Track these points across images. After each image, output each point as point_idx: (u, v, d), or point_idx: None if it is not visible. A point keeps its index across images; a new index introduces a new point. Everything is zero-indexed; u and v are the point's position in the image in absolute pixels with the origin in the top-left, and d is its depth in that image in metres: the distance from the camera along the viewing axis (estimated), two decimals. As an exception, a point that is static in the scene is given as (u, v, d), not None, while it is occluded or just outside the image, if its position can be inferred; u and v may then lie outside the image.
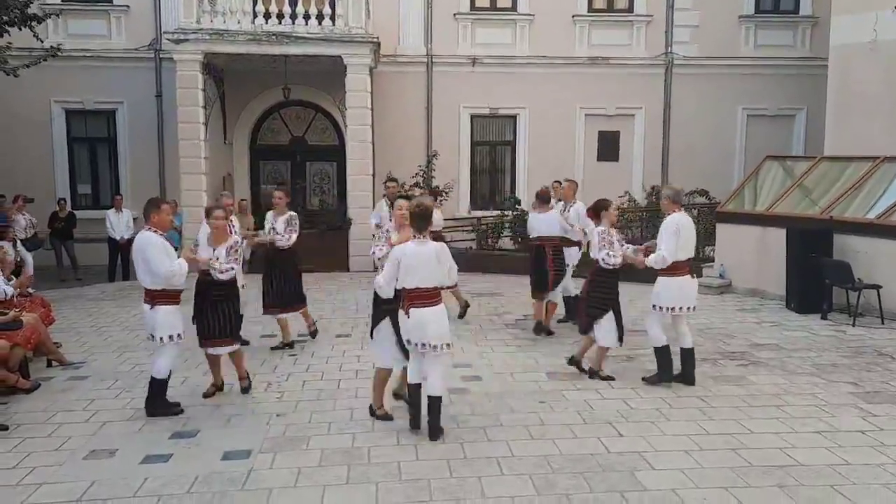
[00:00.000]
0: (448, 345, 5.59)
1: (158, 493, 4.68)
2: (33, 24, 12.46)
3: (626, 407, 6.26)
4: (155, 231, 6.05)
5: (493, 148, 17.61)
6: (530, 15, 16.86)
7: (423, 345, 5.47)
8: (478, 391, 6.69)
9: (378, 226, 9.51)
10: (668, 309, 6.74)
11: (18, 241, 11.09)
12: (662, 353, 6.86)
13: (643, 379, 6.92)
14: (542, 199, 8.91)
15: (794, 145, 17.34)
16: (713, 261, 12.22)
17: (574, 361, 7.27)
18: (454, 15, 16.76)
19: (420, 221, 5.48)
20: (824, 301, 9.70)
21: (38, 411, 6.26)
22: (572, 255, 9.07)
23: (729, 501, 4.54)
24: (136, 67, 16.28)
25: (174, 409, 6.15)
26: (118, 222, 14.14)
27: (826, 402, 6.37)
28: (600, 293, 6.94)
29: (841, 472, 4.94)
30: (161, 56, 16.02)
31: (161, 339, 6.05)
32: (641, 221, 15.05)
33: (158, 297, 6.03)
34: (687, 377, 6.85)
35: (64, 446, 5.49)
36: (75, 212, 15.14)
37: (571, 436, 5.61)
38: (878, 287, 9.28)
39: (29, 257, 11.29)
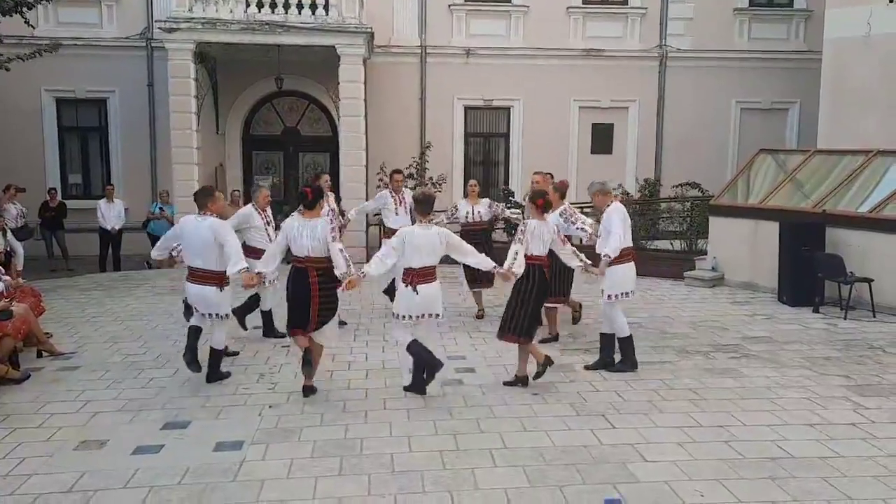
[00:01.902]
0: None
1: (150, 485, 4.65)
2: (24, 10, 12.32)
3: (619, 399, 6.26)
4: (216, 216, 6.49)
5: (487, 140, 17.59)
6: (525, 6, 16.81)
7: (429, 315, 6.20)
8: (471, 383, 6.68)
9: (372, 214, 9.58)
10: (619, 296, 6.87)
11: (9, 231, 11.00)
12: (628, 343, 6.99)
13: (609, 369, 6.93)
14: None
15: (788, 138, 17.38)
16: (706, 254, 12.23)
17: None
18: (449, 6, 16.69)
19: (424, 206, 6.23)
20: (816, 294, 9.72)
21: (28, 402, 6.22)
22: None
23: (721, 493, 4.54)
24: (127, 56, 16.18)
25: (226, 375, 6.79)
26: (109, 212, 14.07)
27: (818, 394, 6.39)
28: None
29: (832, 465, 4.95)
30: (153, 45, 15.91)
31: (225, 315, 6.62)
32: (634, 214, 15.04)
33: (225, 279, 6.50)
34: (629, 364, 6.96)
35: (54, 437, 5.46)
36: (66, 201, 15.06)
37: (564, 427, 5.60)
38: (869, 280, 9.30)
39: (19, 247, 11.19)
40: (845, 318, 9.19)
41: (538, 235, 6.47)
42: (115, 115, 16.45)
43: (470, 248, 6.47)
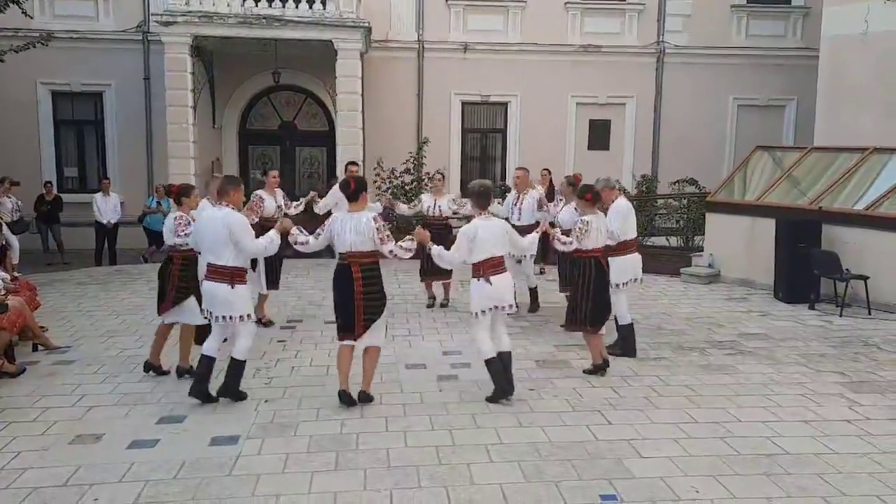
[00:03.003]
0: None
1: (145, 479, 4.65)
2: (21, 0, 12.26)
3: (615, 395, 6.27)
4: (234, 208, 5.97)
5: (484, 135, 17.58)
6: (523, 2, 16.78)
7: (502, 307, 6.04)
8: (467, 378, 6.68)
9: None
10: (626, 284, 7.19)
11: (4, 225, 10.97)
12: (630, 330, 7.22)
13: (610, 354, 6.99)
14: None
15: (785, 135, 17.40)
16: (702, 250, 12.25)
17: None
18: (446, 1, 16.66)
19: (482, 199, 6.14)
20: (812, 291, 9.74)
21: (23, 395, 6.21)
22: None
23: (716, 489, 4.55)
24: (124, 49, 16.11)
25: (243, 395, 6.09)
26: (105, 206, 14.02)
27: (813, 391, 6.41)
28: None
29: (827, 461, 4.97)
30: (149, 38, 15.84)
31: (243, 317, 5.92)
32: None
33: (237, 275, 5.90)
34: (630, 350, 7.23)
35: (49, 431, 5.45)
36: (62, 195, 15.01)
37: (560, 423, 5.61)
38: (865, 278, 9.32)
39: (15, 241, 11.18)
40: (841, 316, 9.21)
41: (595, 228, 6.63)
42: (112, 108, 16.38)
43: (526, 240, 6.44)
